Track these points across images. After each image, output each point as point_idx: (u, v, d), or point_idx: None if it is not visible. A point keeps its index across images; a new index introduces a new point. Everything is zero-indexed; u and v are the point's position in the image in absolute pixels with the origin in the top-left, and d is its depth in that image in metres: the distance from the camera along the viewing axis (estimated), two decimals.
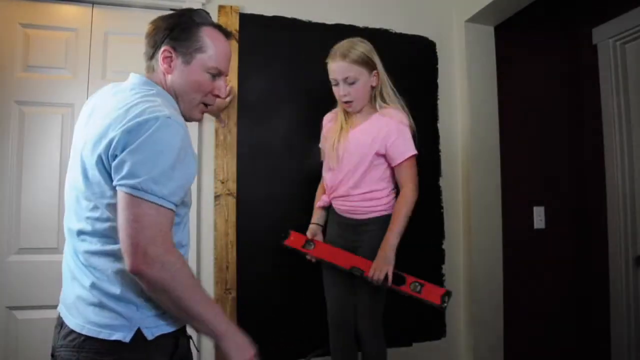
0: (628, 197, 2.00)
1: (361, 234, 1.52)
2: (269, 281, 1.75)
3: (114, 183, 0.81)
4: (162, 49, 0.96)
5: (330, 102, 1.86)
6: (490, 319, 1.92)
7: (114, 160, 0.81)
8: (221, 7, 1.75)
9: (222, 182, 1.71)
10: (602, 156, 2.10)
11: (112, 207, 0.83)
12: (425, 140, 1.98)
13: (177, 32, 0.97)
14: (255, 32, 1.80)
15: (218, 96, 1.03)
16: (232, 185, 1.71)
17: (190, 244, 1.65)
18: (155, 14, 1.72)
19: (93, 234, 0.86)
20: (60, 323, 0.91)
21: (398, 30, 1.98)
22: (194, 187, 1.67)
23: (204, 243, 1.71)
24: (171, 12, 1.05)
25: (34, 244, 1.58)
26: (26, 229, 1.58)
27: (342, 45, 1.45)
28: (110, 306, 0.84)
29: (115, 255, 0.85)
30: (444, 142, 2.00)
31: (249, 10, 1.80)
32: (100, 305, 0.85)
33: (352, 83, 1.44)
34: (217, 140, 1.72)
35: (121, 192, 0.80)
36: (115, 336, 0.83)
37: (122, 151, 0.80)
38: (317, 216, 1.63)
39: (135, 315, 0.85)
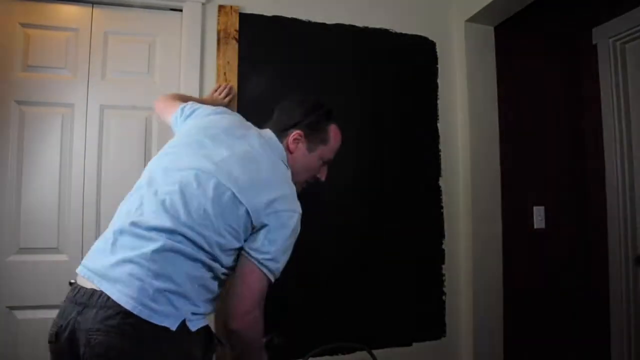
0: (628, 197, 2.00)
1: None
2: None
3: (247, 248, 0.99)
4: (296, 131, 1.14)
5: (329, 102, 1.86)
6: (490, 319, 1.92)
7: (257, 222, 0.98)
8: (221, 7, 1.75)
9: None
10: (602, 156, 2.10)
11: (222, 238, 0.96)
12: (425, 140, 1.99)
13: (312, 122, 1.16)
14: (255, 32, 1.80)
15: (319, 179, 1.24)
16: None
17: None
18: (155, 14, 1.75)
19: (192, 241, 0.93)
20: (82, 303, 0.88)
21: (398, 30, 1.98)
22: None
23: None
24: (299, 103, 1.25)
25: (34, 244, 1.58)
26: (26, 229, 1.58)
27: None
28: (170, 298, 0.89)
29: (194, 259, 0.93)
30: (444, 142, 2.00)
31: (249, 10, 1.80)
32: (160, 294, 0.88)
33: None
34: None
35: (251, 260, 0.98)
36: (165, 323, 0.87)
37: (265, 226, 0.99)
38: None
39: (186, 309, 0.91)
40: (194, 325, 0.92)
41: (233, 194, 0.97)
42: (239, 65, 1.75)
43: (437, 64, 2.03)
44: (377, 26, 1.95)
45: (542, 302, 2.06)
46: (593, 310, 2.10)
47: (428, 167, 1.97)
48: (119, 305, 0.85)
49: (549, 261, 2.09)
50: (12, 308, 1.55)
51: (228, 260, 1.00)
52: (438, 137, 2.00)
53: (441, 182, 1.98)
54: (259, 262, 0.97)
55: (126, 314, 0.84)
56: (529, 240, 2.06)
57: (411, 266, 1.91)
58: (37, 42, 1.64)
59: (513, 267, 1.98)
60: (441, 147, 2.00)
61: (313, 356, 1.70)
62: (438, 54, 2.03)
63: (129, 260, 0.89)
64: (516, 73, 2.09)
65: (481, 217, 1.94)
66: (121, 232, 0.94)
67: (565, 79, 2.20)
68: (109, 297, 0.86)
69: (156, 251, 0.90)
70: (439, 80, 2.02)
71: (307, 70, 1.85)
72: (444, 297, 1.94)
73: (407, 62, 1.99)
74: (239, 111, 1.74)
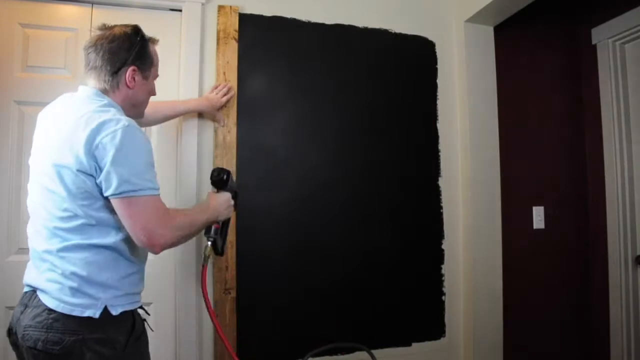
0: (627, 197, 2.01)
1: None
2: (268, 281, 1.75)
3: (107, 194, 0.98)
4: (130, 68, 1.11)
5: (329, 102, 1.87)
6: (490, 319, 1.92)
7: (98, 171, 0.97)
8: (221, 7, 1.75)
9: None
10: (601, 156, 2.11)
11: (86, 207, 0.99)
12: (425, 140, 1.99)
13: (139, 52, 1.13)
14: (255, 32, 1.80)
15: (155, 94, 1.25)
16: None
17: (190, 244, 1.66)
18: (155, 14, 1.75)
19: (68, 230, 1.01)
20: (24, 303, 1.03)
21: (397, 30, 1.98)
22: (194, 188, 1.67)
23: (203, 243, 1.70)
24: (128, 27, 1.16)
25: None
26: (26, 229, 1.57)
27: None
28: (83, 290, 0.99)
29: (87, 247, 1.01)
30: (443, 142, 2.00)
31: (248, 10, 1.80)
32: (74, 289, 0.99)
33: None
34: (216, 140, 1.72)
35: (118, 200, 0.98)
36: (87, 313, 0.98)
37: (104, 164, 0.96)
38: None
39: (103, 296, 1.01)
40: (115, 310, 1.01)
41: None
42: (239, 65, 1.75)
43: (436, 64, 2.03)
44: (377, 26, 1.95)
45: (541, 302, 2.06)
46: (593, 310, 2.11)
47: (428, 167, 1.97)
48: (44, 304, 0.98)
49: (548, 261, 2.09)
50: (11, 308, 1.53)
51: (98, 215, 1.02)
52: (438, 137, 2.00)
53: (441, 182, 1.98)
54: (114, 196, 0.98)
55: (49, 310, 0.97)
56: (529, 241, 2.06)
57: (411, 266, 1.91)
58: (36, 42, 1.63)
59: (513, 267, 1.98)
60: (441, 147, 2.00)
61: (313, 356, 1.70)
62: (438, 54, 2.03)
63: (45, 270, 1.02)
64: (515, 73, 2.10)
65: (481, 217, 1.94)
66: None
67: (564, 79, 2.21)
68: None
69: (51, 251, 1.01)
70: (438, 80, 2.02)
71: (307, 70, 1.85)
72: (443, 298, 1.95)
73: (407, 62, 1.99)
74: (238, 111, 1.74)
